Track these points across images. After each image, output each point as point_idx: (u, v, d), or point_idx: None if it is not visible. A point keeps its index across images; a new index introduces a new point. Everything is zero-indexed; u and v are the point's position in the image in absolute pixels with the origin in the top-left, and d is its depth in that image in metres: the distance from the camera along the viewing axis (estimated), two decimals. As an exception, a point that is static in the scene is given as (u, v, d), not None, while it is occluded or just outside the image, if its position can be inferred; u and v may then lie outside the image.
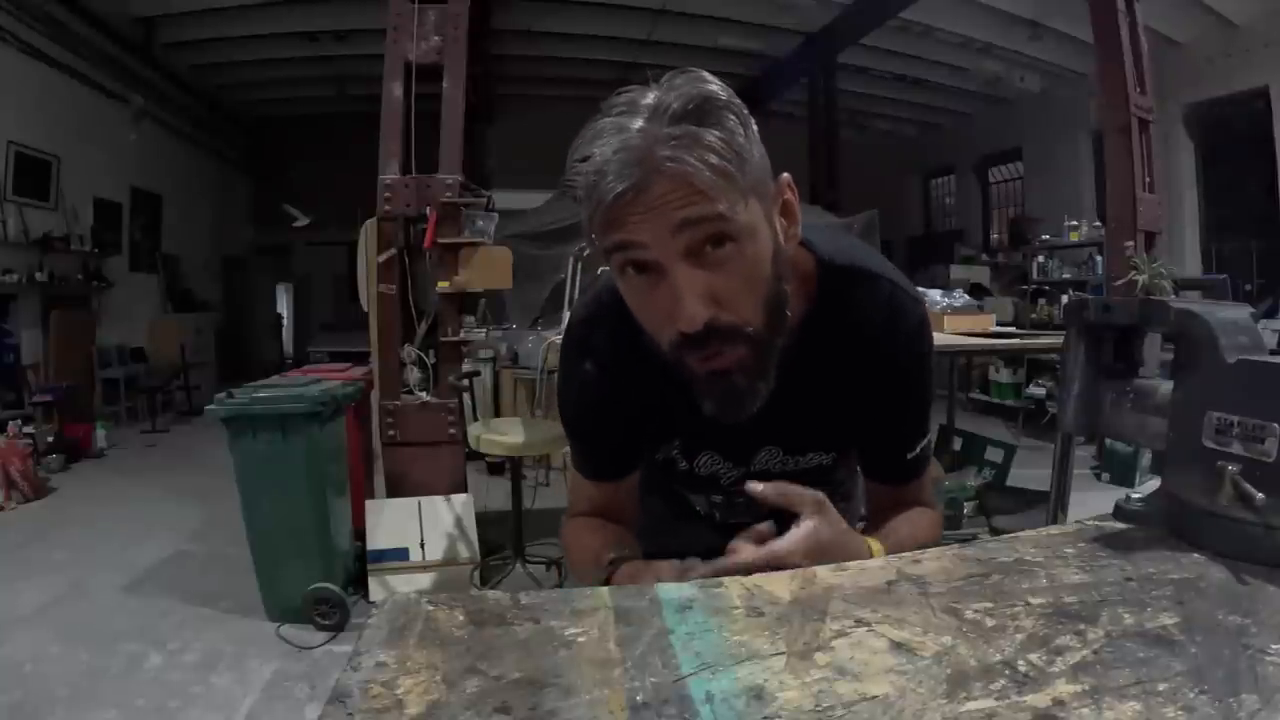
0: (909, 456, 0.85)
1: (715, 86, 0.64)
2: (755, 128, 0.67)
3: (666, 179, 0.61)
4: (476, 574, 2.91)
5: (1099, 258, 6.15)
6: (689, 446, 0.91)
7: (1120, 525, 0.66)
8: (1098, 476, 4.50)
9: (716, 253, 0.64)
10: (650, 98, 0.63)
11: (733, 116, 0.64)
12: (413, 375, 3.00)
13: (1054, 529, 0.68)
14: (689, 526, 1.07)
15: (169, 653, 2.53)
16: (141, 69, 7.46)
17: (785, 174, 0.71)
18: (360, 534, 2.94)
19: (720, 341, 0.66)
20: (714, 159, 0.62)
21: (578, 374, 0.86)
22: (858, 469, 0.96)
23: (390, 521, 2.87)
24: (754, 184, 0.66)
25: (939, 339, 3.21)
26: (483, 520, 3.06)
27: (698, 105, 0.62)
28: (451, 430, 2.99)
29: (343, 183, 5.94)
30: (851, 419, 0.85)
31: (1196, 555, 0.59)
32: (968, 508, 3.35)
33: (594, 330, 0.84)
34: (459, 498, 2.97)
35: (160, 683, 2.35)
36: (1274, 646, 0.45)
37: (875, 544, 0.76)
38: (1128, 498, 0.67)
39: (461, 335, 3.06)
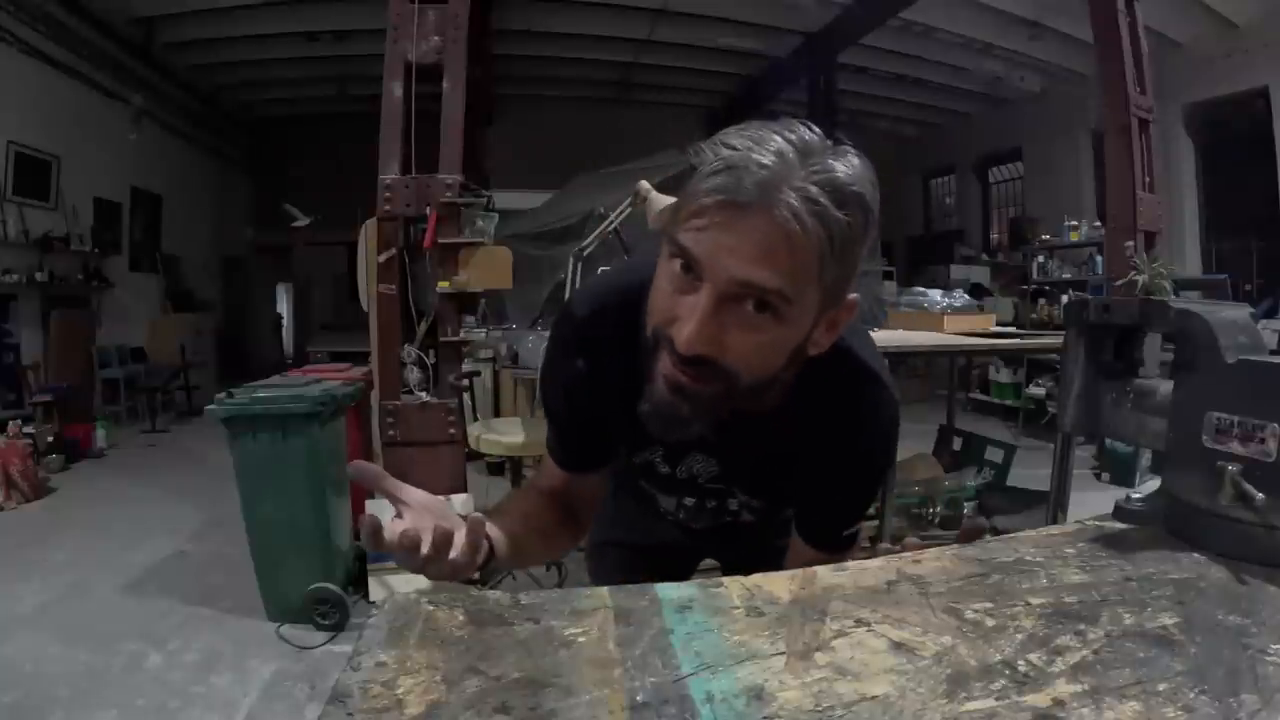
0: (844, 534, 0.87)
1: (867, 184, 0.63)
2: (872, 237, 0.65)
3: (767, 221, 0.59)
4: (476, 574, 2.91)
5: (1099, 258, 6.15)
6: (672, 453, 0.91)
7: (1120, 525, 0.66)
8: (1098, 476, 4.50)
9: (752, 314, 0.63)
10: (813, 136, 0.62)
11: (864, 219, 0.63)
12: (413, 375, 3.00)
13: (1054, 529, 0.69)
14: (659, 524, 1.08)
15: (169, 653, 2.53)
16: (141, 69, 7.45)
17: (855, 295, 0.70)
18: (360, 534, 2.94)
19: (702, 370, 0.65)
20: (821, 236, 0.60)
21: (567, 368, 0.86)
22: None
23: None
24: (832, 284, 0.65)
25: (939, 339, 3.23)
26: (483, 520, 3.06)
27: (841, 185, 0.61)
28: (451, 430, 2.99)
29: (343, 183, 5.94)
30: (811, 486, 0.86)
31: (1196, 555, 0.59)
32: (968, 508, 3.34)
33: (593, 330, 0.83)
34: (459, 498, 2.97)
35: (160, 683, 2.34)
36: (1274, 646, 0.45)
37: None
38: (1128, 498, 0.67)
39: (461, 335, 3.06)
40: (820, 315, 0.67)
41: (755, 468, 0.88)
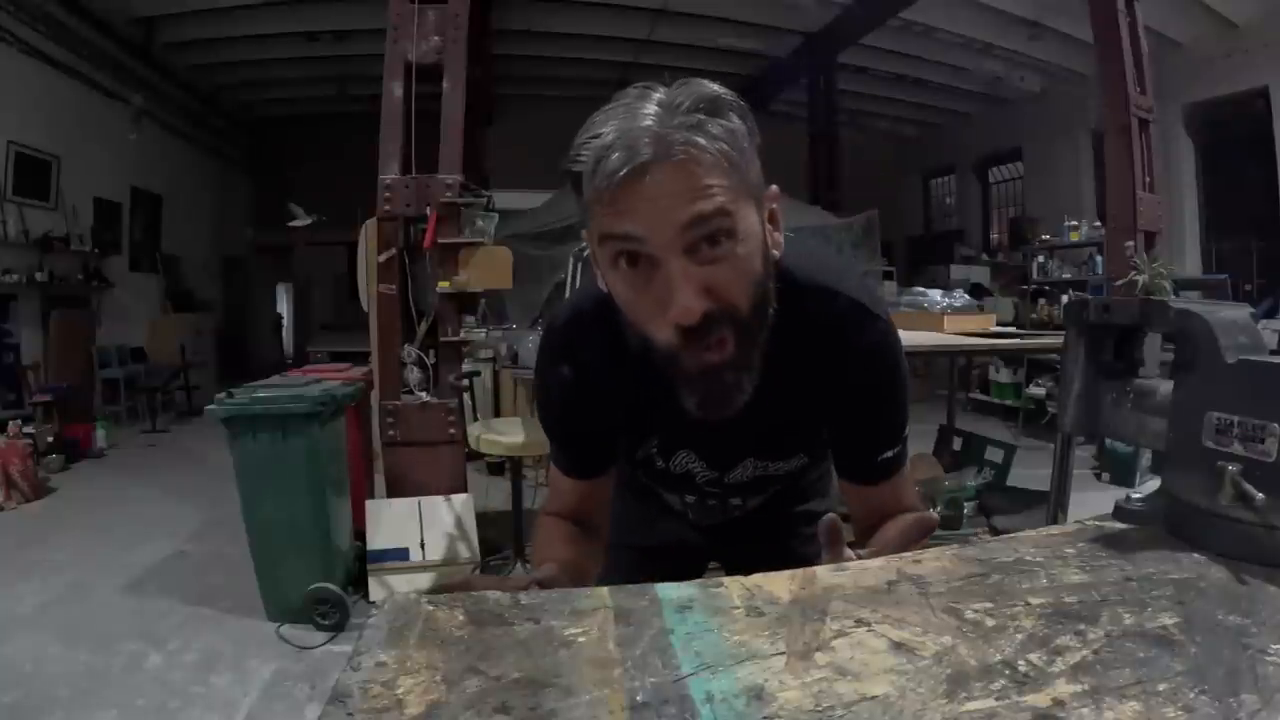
0: (879, 459, 0.86)
1: (723, 90, 0.66)
2: (758, 137, 0.68)
3: (675, 165, 0.61)
4: (476, 574, 2.91)
5: (1099, 258, 6.15)
6: (666, 445, 0.92)
7: (1120, 525, 0.66)
8: (1098, 476, 4.50)
9: (714, 251, 0.64)
10: (661, 93, 0.64)
11: (738, 118, 0.65)
12: (413, 375, 3.00)
13: (1054, 529, 0.69)
14: (664, 522, 1.09)
15: (169, 653, 2.53)
16: (141, 69, 7.45)
17: (774, 185, 0.72)
18: (360, 534, 2.94)
19: (715, 326, 0.66)
20: (724, 147, 0.63)
21: (557, 379, 0.87)
22: (832, 469, 0.97)
23: (390, 521, 2.87)
24: (753, 185, 0.67)
25: (939, 339, 3.23)
26: (483, 520, 3.06)
27: (710, 101, 0.64)
28: (451, 430, 2.99)
29: (343, 183, 5.94)
30: (819, 426, 0.87)
31: (1196, 555, 0.59)
32: (968, 508, 3.34)
33: (574, 335, 0.84)
34: (459, 498, 2.97)
35: (160, 683, 2.34)
36: (1274, 646, 0.45)
37: None
38: (1128, 498, 0.67)
39: (461, 335, 3.06)
40: (761, 217, 0.69)
41: (766, 427, 0.87)
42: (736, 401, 0.71)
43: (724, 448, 0.91)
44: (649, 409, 0.83)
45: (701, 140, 0.61)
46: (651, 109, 0.62)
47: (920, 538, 0.73)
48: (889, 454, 0.85)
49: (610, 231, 0.64)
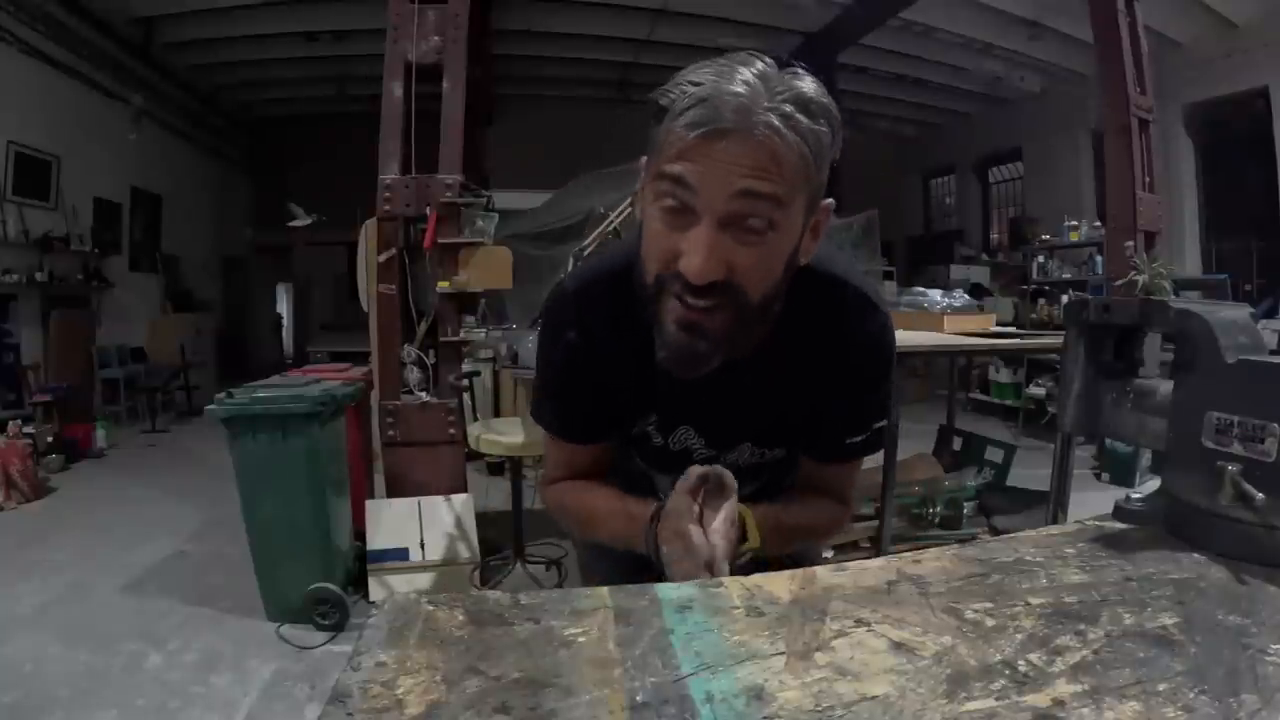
0: (846, 442, 0.88)
1: (823, 96, 0.67)
2: (839, 151, 0.69)
3: (752, 141, 0.63)
4: (476, 574, 2.91)
5: (1099, 258, 6.15)
6: (666, 421, 0.92)
7: (1120, 525, 0.66)
8: (1098, 476, 4.50)
9: (750, 235, 0.66)
10: (767, 66, 0.66)
11: (830, 127, 0.66)
12: (413, 375, 3.00)
13: (1054, 529, 0.69)
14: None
15: (169, 653, 2.53)
16: (141, 69, 7.45)
17: (830, 199, 0.73)
18: (360, 534, 2.94)
19: (718, 296, 0.67)
20: (801, 144, 0.64)
21: (563, 342, 0.87)
22: None
23: (390, 521, 2.87)
24: (813, 192, 0.68)
25: (939, 339, 3.23)
26: (483, 520, 3.06)
27: (805, 103, 0.65)
28: (451, 430, 2.99)
29: (343, 183, 5.94)
30: (810, 413, 0.88)
31: (1196, 555, 0.59)
32: (968, 508, 3.34)
33: (584, 303, 0.86)
34: (459, 498, 2.97)
35: (160, 683, 2.34)
36: (1274, 646, 0.45)
37: (749, 514, 0.82)
38: (1128, 498, 0.67)
39: (461, 335, 3.06)
40: (805, 223, 0.71)
41: (767, 412, 0.89)
42: (702, 368, 0.73)
43: (724, 426, 0.92)
44: (651, 382, 0.84)
45: (783, 129, 0.63)
46: (751, 78, 0.64)
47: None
48: (856, 439, 0.88)
49: (667, 172, 0.66)
